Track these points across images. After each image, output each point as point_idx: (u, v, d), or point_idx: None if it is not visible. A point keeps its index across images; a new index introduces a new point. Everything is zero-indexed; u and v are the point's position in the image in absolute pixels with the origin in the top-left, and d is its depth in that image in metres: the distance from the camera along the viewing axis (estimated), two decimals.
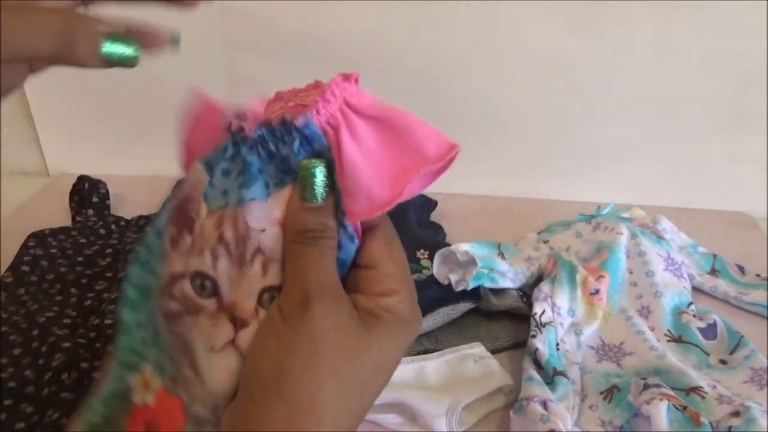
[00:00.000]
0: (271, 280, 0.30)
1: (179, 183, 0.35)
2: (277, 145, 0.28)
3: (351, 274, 0.29)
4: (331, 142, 0.27)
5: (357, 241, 0.29)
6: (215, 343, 0.30)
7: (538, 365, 0.52)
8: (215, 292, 0.30)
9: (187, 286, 0.31)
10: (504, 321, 0.60)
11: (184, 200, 0.31)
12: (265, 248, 0.30)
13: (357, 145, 0.27)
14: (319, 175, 0.28)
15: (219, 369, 0.31)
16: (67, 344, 0.50)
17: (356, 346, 0.26)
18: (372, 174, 0.27)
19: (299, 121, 0.27)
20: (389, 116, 0.27)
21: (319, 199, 0.27)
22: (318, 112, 0.28)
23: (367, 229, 0.29)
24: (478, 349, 0.55)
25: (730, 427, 0.44)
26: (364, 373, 0.27)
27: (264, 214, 0.29)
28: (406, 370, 0.53)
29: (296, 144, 0.28)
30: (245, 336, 0.30)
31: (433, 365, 0.53)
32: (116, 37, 0.27)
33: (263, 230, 0.30)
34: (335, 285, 0.28)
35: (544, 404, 0.47)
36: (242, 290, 0.30)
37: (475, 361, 0.53)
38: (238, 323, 0.30)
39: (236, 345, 0.30)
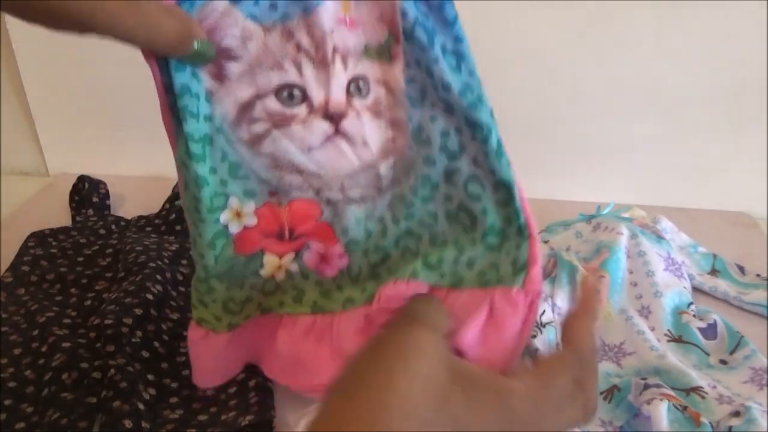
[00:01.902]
0: (352, 72, 0.34)
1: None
2: None
3: None
4: None
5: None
6: (312, 142, 0.34)
7: None
8: (305, 98, 0.34)
9: (271, 103, 0.34)
10: None
11: (209, 34, 0.33)
12: (339, 45, 0.34)
13: None
14: None
15: (325, 158, 0.35)
16: (67, 344, 0.50)
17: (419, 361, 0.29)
18: None
19: None
20: None
21: None
22: None
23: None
24: None
25: (730, 427, 0.44)
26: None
27: (330, 15, 0.33)
28: None
29: None
30: (348, 124, 0.34)
31: None
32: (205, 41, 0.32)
33: (332, 30, 0.33)
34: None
35: None
36: (332, 87, 0.34)
37: None
38: (335, 117, 0.34)
39: (342, 133, 0.34)
